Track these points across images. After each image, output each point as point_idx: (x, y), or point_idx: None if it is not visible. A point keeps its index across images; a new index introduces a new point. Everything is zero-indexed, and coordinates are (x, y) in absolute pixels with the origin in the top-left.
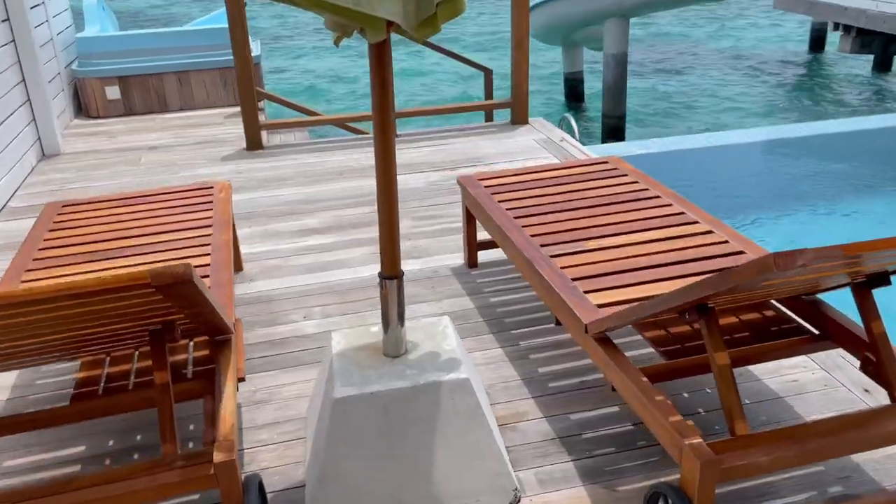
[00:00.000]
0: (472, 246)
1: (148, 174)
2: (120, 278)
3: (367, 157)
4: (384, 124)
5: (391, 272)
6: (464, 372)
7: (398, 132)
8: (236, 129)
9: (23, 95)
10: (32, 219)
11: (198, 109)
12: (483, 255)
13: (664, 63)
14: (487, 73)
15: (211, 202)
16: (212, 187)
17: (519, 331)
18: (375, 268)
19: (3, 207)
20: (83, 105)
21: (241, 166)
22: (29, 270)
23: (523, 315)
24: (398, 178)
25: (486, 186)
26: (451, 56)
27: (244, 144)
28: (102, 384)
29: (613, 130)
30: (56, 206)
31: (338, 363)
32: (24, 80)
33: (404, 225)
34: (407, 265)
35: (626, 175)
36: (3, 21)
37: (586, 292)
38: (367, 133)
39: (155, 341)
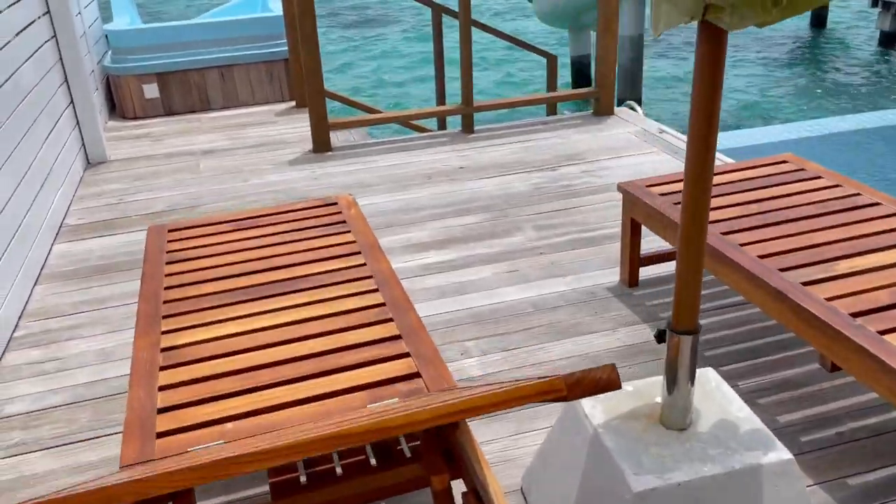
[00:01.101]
0: (634, 262)
1: (214, 182)
2: (536, 388)
3: (451, 157)
4: (707, 138)
5: (688, 326)
6: (784, 450)
7: (474, 128)
8: (293, 128)
9: (66, 98)
10: (98, 238)
11: (242, 107)
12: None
13: (666, 43)
14: (551, 60)
15: (343, 222)
16: (335, 203)
17: (729, 367)
18: (517, 290)
19: (60, 227)
20: (118, 105)
21: (314, 171)
22: (168, 317)
23: (725, 346)
24: (493, 178)
25: (662, 195)
26: (513, 42)
27: (309, 146)
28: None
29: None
30: (160, 231)
31: (611, 440)
32: (66, 80)
33: (527, 236)
34: (551, 285)
35: (820, 177)
36: (43, 14)
37: (882, 332)
38: (430, 130)
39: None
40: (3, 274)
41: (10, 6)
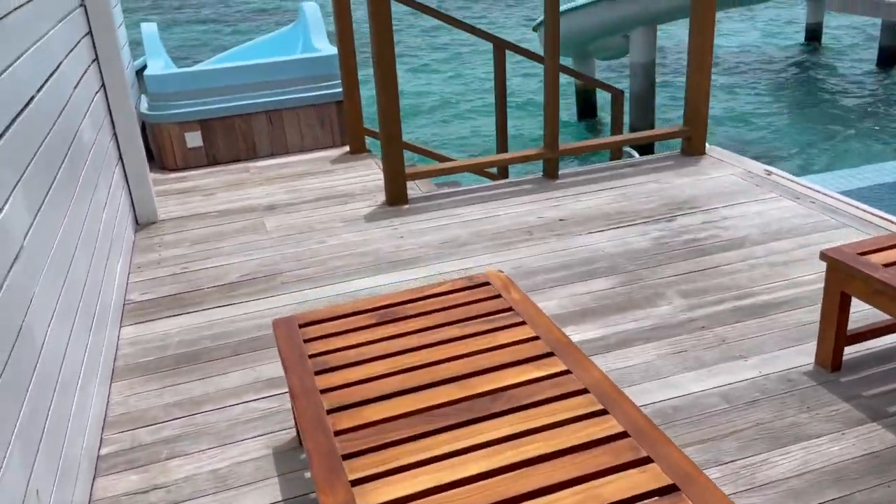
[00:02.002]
0: (840, 342)
1: (286, 243)
2: None
3: (544, 208)
4: None
5: None
6: None
7: (558, 170)
8: (355, 178)
9: (115, 152)
10: (172, 318)
11: (291, 154)
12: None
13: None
14: (617, 96)
15: (509, 309)
16: (486, 283)
17: None
18: (696, 379)
19: (123, 304)
20: (156, 155)
21: (396, 227)
22: (348, 458)
23: None
24: (603, 232)
25: (887, 265)
26: (579, 77)
27: (377, 197)
28: None
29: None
30: (290, 329)
31: None
32: (115, 133)
33: (675, 306)
34: (734, 371)
35: None
36: (92, 62)
37: None
38: (495, 176)
39: None
40: (74, 372)
41: (67, 55)
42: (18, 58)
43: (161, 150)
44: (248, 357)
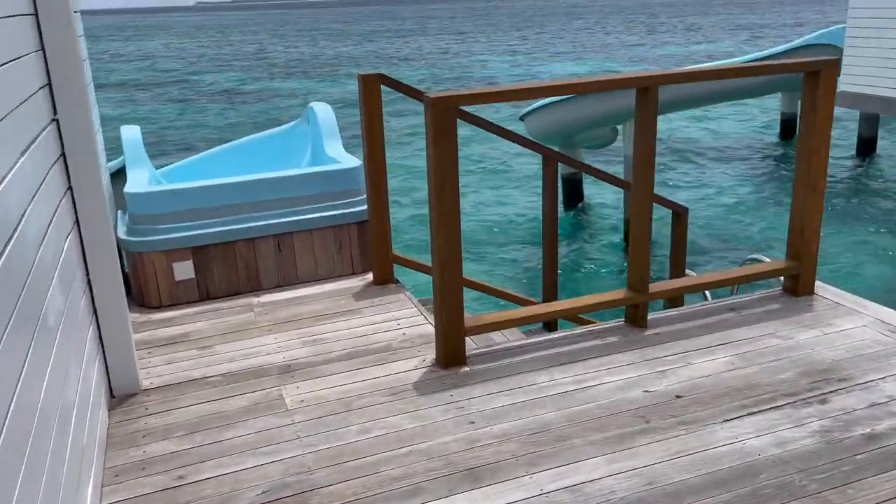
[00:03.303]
0: None
1: (316, 435)
2: None
3: (644, 373)
4: None
5: None
6: None
7: (647, 316)
8: (389, 321)
9: (86, 297)
10: None
11: (303, 284)
12: None
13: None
14: (682, 215)
15: None
16: None
17: None
18: None
19: None
20: (135, 290)
21: (462, 407)
22: None
23: None
24: (741, 419)
25: None
26: (618, 185)
27: (426, 353)
28: None
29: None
30: None
31: None
32: (87, 275)
33: None
34: None
35: None
36: (66, 191)
37: None
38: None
39: None
40: None
41: (33, 198)
42: None
43: (143, 284)
44: None
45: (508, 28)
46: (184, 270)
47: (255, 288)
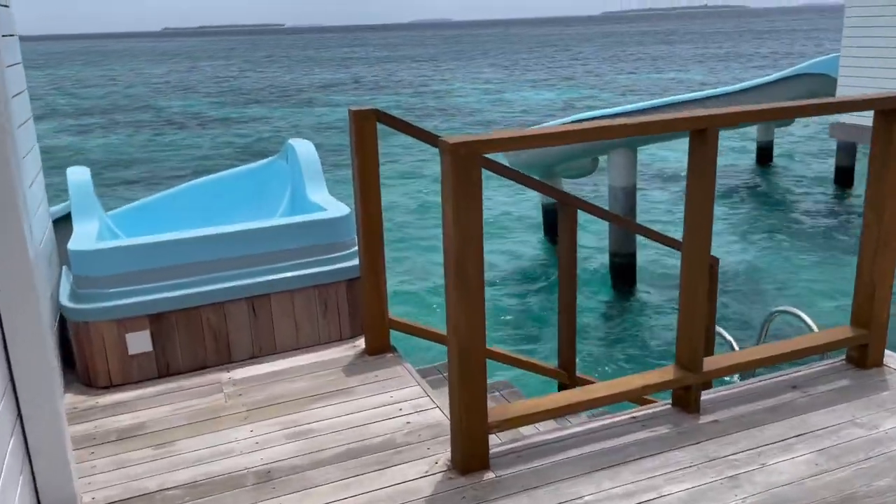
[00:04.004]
0: None
1: None
2: None
3: (708, 481)
4: None
5: None
6: None
7: (700, 407)
8: (388, 405)
9: (11, 407)
10: None
11: (282, 355)
12: None
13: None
14: (713, 266)
15: None
16: None
17: None
18: None
19: None
20: (80, 366)
21: None
22: None
23: None
24: None
25: None
26: (650, 236)
27: (438, 452)
28: None
29: (623, 271)
30: None
31: None
32: (11, 374)
33: None
34: None
35: None
36: None
37: None
38: (656, 401)
39: None
40: None
41: None
42: None
43: (89, 359)
44: None
45: (478, 55)
46: (139, 342)
47: (225, 361)
